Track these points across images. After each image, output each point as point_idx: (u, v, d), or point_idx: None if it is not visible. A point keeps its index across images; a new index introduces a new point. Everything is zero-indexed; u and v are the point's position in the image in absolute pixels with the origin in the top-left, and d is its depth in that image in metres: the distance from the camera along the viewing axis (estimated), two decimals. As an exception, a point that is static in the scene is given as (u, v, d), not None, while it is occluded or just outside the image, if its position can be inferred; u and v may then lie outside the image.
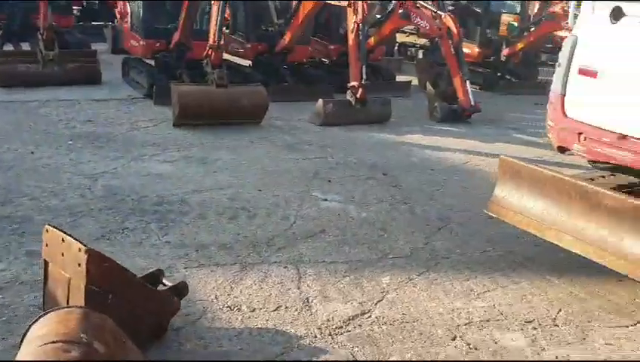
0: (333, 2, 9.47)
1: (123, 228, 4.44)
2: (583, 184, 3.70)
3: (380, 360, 2.98)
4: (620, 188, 3.84)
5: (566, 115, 4.16)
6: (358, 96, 8.18)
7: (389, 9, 10.19)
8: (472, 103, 8.84)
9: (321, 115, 8.13)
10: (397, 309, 3.56)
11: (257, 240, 4.37)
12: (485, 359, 3.14)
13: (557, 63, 4.25)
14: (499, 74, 11.81)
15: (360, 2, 8.11)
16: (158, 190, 5.26)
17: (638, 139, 3.69)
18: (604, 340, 3.40)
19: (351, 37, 8.25)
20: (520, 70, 12.02)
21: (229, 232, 4.49)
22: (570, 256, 3.86)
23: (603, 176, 4.09)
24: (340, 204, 5.27)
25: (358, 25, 8.13)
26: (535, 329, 3.46)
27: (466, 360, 3.04)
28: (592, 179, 4.03)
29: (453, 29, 8.71)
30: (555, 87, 4.23)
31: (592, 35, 4.06)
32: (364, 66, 8.20)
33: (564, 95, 4.17)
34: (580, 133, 4.02)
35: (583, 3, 4.13)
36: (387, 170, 6.37)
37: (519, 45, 11.40)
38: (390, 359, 3.06)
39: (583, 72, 4.02)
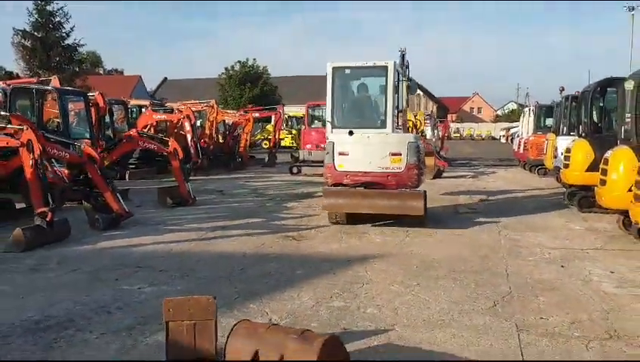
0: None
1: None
2: (360, 189, 10.07)
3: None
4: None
5: (336, 170, 10.16)
6: (47, 219, 9.26)
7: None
8: (127, 210, 11.14)
9: (22, 242, 8.90)
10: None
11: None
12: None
13: (325, 152, 10.15)
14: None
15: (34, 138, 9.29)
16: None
17: (369, 172, 9.70)
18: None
19: (29, 171, 9.21)
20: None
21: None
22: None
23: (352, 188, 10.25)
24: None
25: (35, 160, 9.27)
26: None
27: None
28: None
29: (95, 155, 10.90)
30: (328, 161, 9.82)
31: (339, 140, 10.08)
32: (48, 193, 9.28)
33: (334, 163, 10.00)
34: (347, 175, 10.06)
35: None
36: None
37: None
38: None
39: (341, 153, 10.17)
